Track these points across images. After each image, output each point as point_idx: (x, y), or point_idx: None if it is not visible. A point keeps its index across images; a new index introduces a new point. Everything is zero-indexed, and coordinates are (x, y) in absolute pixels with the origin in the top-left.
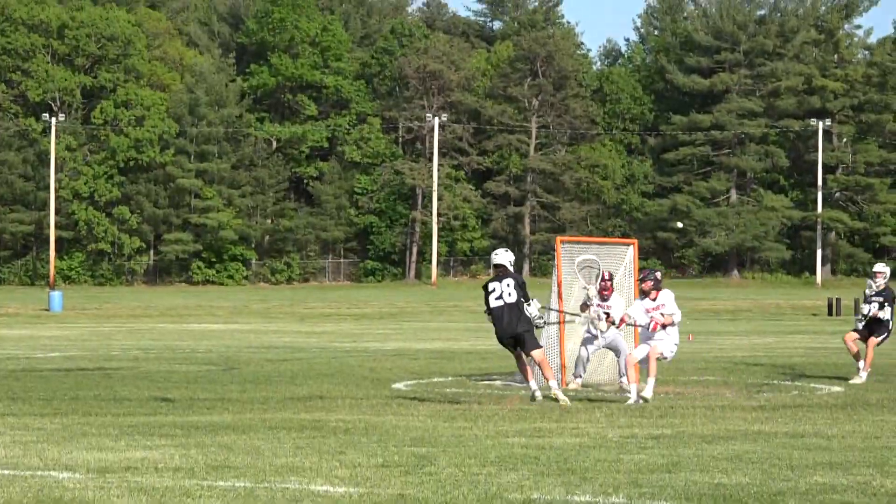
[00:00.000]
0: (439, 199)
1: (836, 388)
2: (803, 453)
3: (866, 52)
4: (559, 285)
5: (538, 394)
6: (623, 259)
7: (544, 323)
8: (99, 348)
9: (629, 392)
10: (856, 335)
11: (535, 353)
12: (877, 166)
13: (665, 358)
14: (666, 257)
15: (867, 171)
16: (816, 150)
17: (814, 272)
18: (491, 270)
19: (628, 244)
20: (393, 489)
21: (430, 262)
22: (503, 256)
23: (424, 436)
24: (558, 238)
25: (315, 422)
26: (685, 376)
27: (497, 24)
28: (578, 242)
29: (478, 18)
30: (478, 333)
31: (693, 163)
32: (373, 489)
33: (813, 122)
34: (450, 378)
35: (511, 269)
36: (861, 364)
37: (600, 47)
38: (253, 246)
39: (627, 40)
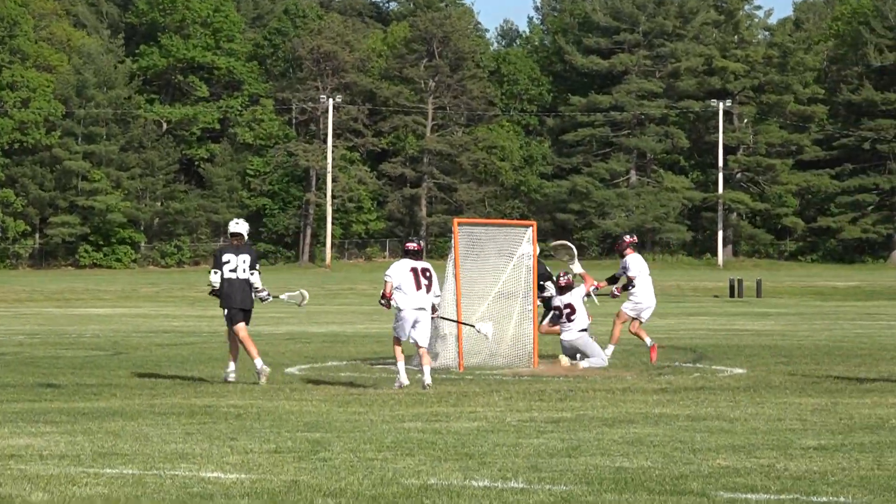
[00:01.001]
0: (334, 180)
1: (739, 370)
2: (705, 436)
3: (767, 33)
4: (456, 268)
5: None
6: (521, 240)
7: (268, 295)
8: None
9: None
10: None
11: (242, 327)
12: (778, 147)
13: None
14: (565, 238)
15: (768, 151)
16: (717, 131)
17: (715, 253)
18: (232, 239)
19: (527, 226)
20: (286, 475)
21: (325, 244)
22: (243, 226)
23: (318, 421)
24: (455, 220)
25: (206, 407)
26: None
27: (393, 5)
28: (476, 224)
29: None
30: (373, 316)
31: (592, 144)
32: (265, 475)
33: (713, 102)
34: (344, 362)
35: (246, 239)
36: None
37: (497, 28)
38: (142, 229)
39: (530, 19)
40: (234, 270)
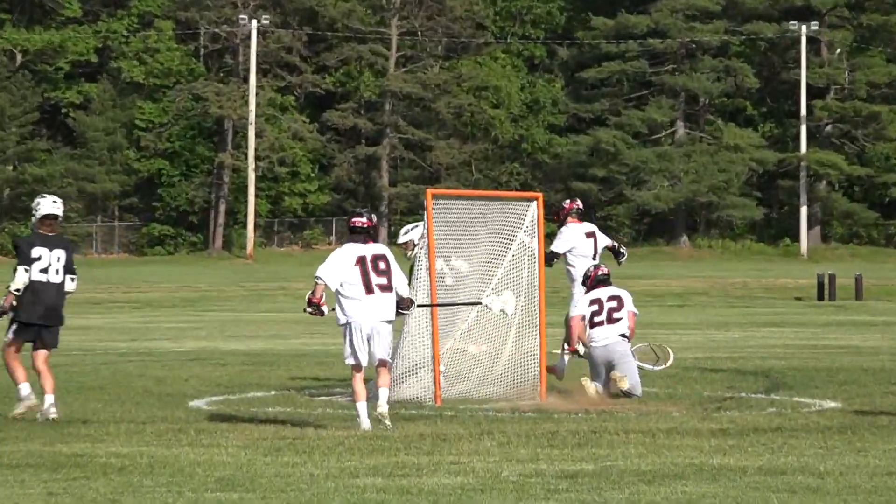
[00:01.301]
0: (258, 135)
1: (831, 404)
2: (785, 497)
3: None
4: (430, 259)
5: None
6: (522, 220)
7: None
8: None
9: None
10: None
11: (44, 355)
12: (884, 88)
13: None
14: (586, 216)
15: (870, 94)
16: (798, 67)
17: (797, 238)
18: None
19: (530, 199)
20: None
21: (245, 225)
22: (61, 206)
23: (236, 475)
24: (429, 191)
25: (76, 457)
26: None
27: None
28: (459, 197)
29: None
30: (313, 327)
31: (623, 84)
32: None
33: (793, 26)
34: (273, 392)
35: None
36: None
37: None
38: None
39: None
40: (46, 270)
